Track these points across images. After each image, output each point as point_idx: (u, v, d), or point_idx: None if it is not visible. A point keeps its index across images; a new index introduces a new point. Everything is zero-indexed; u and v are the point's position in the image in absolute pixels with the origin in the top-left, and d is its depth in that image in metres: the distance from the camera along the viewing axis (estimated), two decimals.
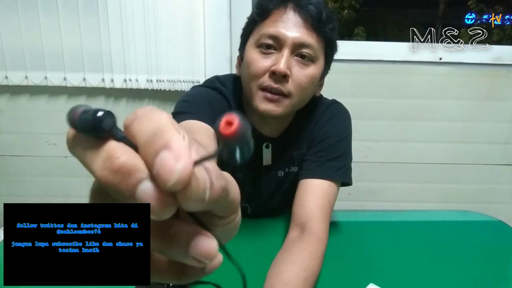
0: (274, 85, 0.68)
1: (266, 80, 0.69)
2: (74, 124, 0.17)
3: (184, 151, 0.16)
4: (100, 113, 0.16)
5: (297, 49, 0.69)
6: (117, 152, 0.17)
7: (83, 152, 0.18)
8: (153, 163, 0.16)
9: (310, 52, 0.69)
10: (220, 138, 0.16)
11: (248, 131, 0.17)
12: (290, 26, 0.68)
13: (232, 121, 0.16)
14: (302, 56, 0.70)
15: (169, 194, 0.16)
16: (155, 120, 0.18)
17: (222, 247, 0.21)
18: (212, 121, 0.68)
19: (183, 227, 0.18)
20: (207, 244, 0.18)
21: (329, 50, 0.75)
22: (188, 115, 0.68)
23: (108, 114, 0.17)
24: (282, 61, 0.67)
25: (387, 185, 1.71)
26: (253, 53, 0.71)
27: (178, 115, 0.70)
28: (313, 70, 0.71)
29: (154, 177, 0.16)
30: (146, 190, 0.16)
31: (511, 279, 0.73)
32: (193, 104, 0.72)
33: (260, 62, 0.69)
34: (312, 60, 0.71)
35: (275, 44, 0.69)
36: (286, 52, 0.68)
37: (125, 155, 0.16)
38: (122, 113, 1.61)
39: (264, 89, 0.69)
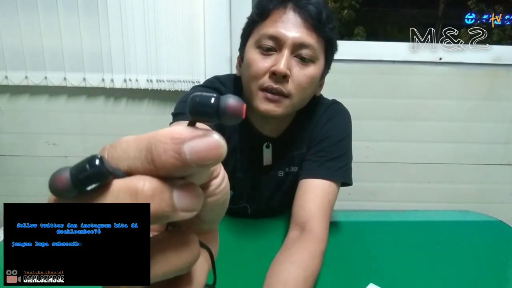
0: (275, 86, 0.68)
1: (266, 81, 0.69)
2: (65, 186, 0.15)
3: (192, 129, 0.16)
4: (97, 160, 0.15)
5: (297, 49, 0.69)
6: (137, 182, 0.16)
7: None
8: (182, 160, 0.15)
9: (310, 52, 0.69)
10: (229, 117, 0.16)
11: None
12: (290, 27, 0.68)
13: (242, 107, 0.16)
14: (302, 56, 0.70)
15: (193, 183, 0.17)
16: (127, 142, 0.17)
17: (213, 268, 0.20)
18: None
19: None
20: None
21: (329, 50, 0.75)
22: (186, 116, 0.68)
23: (102, 157, 0.15)
24: (282, 61, 0.67)
25: (387, 185, 1.72)
26: (253, 54, 0.71)
27: (178, 116, 0.70)
28: (313, 70, 0.71)
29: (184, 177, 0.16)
30: (181, 194, 0.16)
31: (511, 279, 0.73)
32: None
33: (260, 62, 0.69)
34: (312, 60, 0.71)
35: (275, 44, 0.69)
36: (286, 52, 0.68)
37: (144, 180, 0.16)
38: (122, 113, 1.62)
39: (264, 89, 0.69)
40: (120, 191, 0.15)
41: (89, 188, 0.15)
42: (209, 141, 0.16)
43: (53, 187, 0.15)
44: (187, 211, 0.16)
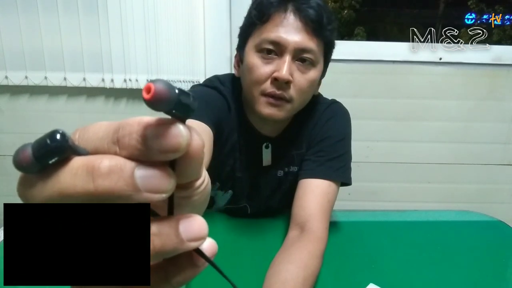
0: (277, 92, 0.68)
1: (268, 87, 0.69)
2: (28, 161, 0.15)
3: (161, 118, 0.16)
4: (58, 135, 0.15)
5: (298, 54, 0.69)
6: (96, 159, 0.16)
7: (51, 183, 0.16)
8: (144, 143, 0.16)
9: (311, 56, 0.69)
10: (147, 104, 0.16)
11: (172, 91, 0.16)
12: (290, 31, 0.68)
13: (150, 86, 0.15)
14: (303, 60, 0.70)
15: (165, 164, 0.16)
16: (99, 125, 0.17)
17: (211, 262, 0.20)
18: (209, 121, 0.68)
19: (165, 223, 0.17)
20: (196, 222, 0.18)
21: (329, 52, 0.75)
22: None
23: (64, 132, 0.15)
24: (285, 67, 0.67)
25: (387, 185, 1.72)
26: (254, 58, 0.71)
27: None
28: (313, 73, 0.71)
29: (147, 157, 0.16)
30: (145, 173, 0.16)
31: (511, 279, 0.73)
32: None
33: (262, 68, 0.69)
34: (312, 64, 0.71)
35: (276, 49, 0.69)
36: (287, 58, 0.68)
37: (102, 157, 0.16)
38: (122, 113, 1.62)
39: (266, 95, 0.70)
40: (78, 168, 0.16)
41: (50, 162, 0.16)
42: (171, 129, 0.16)
43: (17, 162, 0.16)
44: (154, 192, 0.16)
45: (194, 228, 0.17)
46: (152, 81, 0.15)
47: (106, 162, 0.15)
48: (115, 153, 0.16)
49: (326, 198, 0.74)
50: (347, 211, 0.96)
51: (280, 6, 0.69)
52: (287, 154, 0.83)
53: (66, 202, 0.16)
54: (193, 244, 0.17)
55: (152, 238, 0.17)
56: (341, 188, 0.80)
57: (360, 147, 1.65)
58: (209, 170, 0.75)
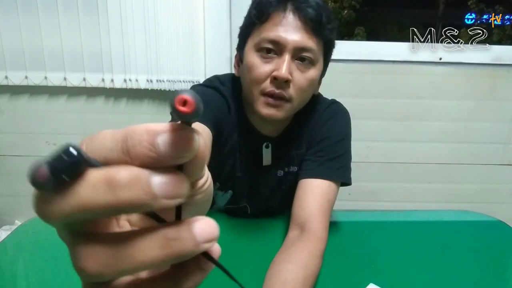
0: (276, 91, 0.68)
1: (268, 86, 0.69)
2: (45, 178, 0.15)
3: (167, 123, 0.16)
4: (73, 149, 0.15)
5: (298, 53, 0.69)
6: (113, 171, 0.16)
7: (71, 198, 0.16)
8: (157, 151, 0.16)
9: (310, 55, 0.69)
10: (180, 116, 0.16)
11: (201, 104, 0.16)
12: (290, 30, 0.68)
13: (187, 99, 0.16)
14: (302, 59, 0.70)
15: (175, 168, 0.17)
16: (104, 134, 0.17)
17: (218, 264, 0.20)
18: (208, 121, 0.68)
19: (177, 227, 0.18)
20: (208, 223, 0.18)
21: (328, 51, 0.75)
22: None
23: (78, 147, 0.16)
24: (284, 66, 0.67)
25: (387, 185, 1.72)
26: (253, 58, 0.71)
27: None
28: (313, 73, 0.71)
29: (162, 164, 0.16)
30: (161, 179, 0.16)
31: (511, 279, 0.73)
32: None
33: (261, 67, 0.69)
34: (312, 63, 0.71)
35: (276, 48, 0.69)
36: (287, 57, 0.68)
37: (119, 168, 0.16)
38: (122, 113, 1.62)
39: (266, 94, 0.70)
40: (97, 181, 0.16)
41: (66, 177, 0.16)
42: (182, 134, 0.16)
43: (34, 180, 0.15)
44: (170, 198, 0.16)
45: (207, 230, 0.17)
46: (181, 92, 0.16)
47: (123, 173, 0.15)
48: (127, 163, 0.16)
49: (326, 198, 0.74)
50: (347, 211, 0.96)
51: (280, 5, 0.69)
52: (287, 154, 0.83)
53: (87, 217, 0.16)
54: (206, 246, 0.17)
55: (170, 243, 0.17)
56: (341, 188, 0.80)
57: (360, 147, 1.65)
58: (209, 170, 0.75)
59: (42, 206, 0.16)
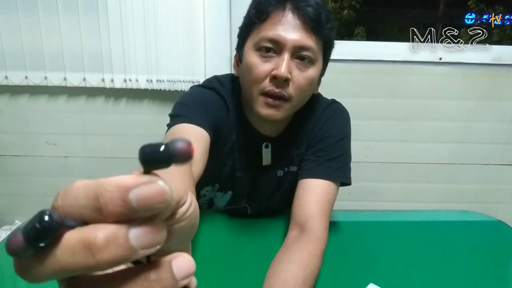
0: (276, 90, 0.68)
1: (267, 85, 0.69)
2: (20, 246, 0.15)
3: (137, 176, 0.16)
4: (46, 216, 0.15)
5: (297, 52, 0.69)
6: (89, 233, 0.16)
7: (50, 263, 0.16)
8: (129, 207, 0.16)
9: (309, 54, 0.69)
10: (183, 160, 0.17)
11: None
12: (289, 29, 0.68)
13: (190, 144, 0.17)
14: (302, 58, 0.70)
15: (153, 218, 0.17)
16: (77, 189, 0.17)
17: None
18: (206, 124, 0.69)
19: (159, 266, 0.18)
20: (185, 260, 0.18)
21: (328, 50, 0.75)
22: (182, 118, 0.69)
23: (51, 213, 0.16)
24: (283, 65, 0.67)
25: (387, 185, 1.72)
26: (252, 57, 0.71)
27: (175, 117, 0.70)
28: (312, 72, 0.71)
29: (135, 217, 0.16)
30: (137, 232, 0.16)
31: (511, 279, 0.73)
32: (188, 107, 0.73)
33: (261, 66, 0.69)
34: (311, 62, 0.71)
35: (275, 47, 0.69)
36: (286, 55, 0.68)
37: (96, 230, 0.16)
38: (122, 113, 1.62)
39: (265, 94, 0.70)
40: (75, 246, 0.16)
41: (42, 244, 0.16)
42: (154, 187, 0.16)
43: (10, 249, 0.16)
44: (149, 248, 0.16)
45: (184, 267, 0.18)
46: (181, 141, 0.17)
47: (100, 234, 0.16)
48: (101, 220, 0.16)
49: (326, 198, 0.74)
50: (347, 211, 0.96)
51: (279, 4, 0.69)
52: (287, 154, 0.83)
53: (67, 276, 0.16)
54: (185, 282, 0.18)
55: (152, 284, 0.17)
56: (341, 188, 0.80)
57: (360, 147, 1.65)
58: (208, 171, 0.75)
59: (22, 271, 0.16)
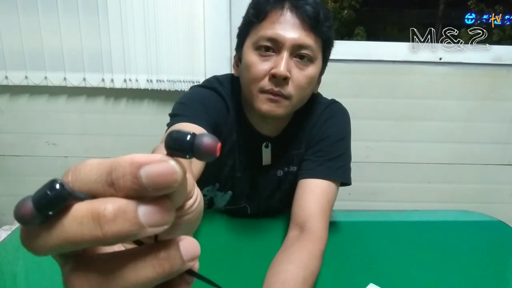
0: (275, 89, 0.68)
1: (266, 84, 0.69)
2: (30, 214, 0.15)
3: (150, 154, 0.16)
4: (57, 185, 0.15)
5: (296, 50, 0.69)
6: (99, 205, 0.16)
7: (57, 233, 0.16)
8: (140, 184, 0.16)
9: (308, 52, 0.69)
10: (203, 154, 0.17)
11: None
12: (288, 28, 0.68)
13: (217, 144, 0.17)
14: (301, 57, 0.70)
15: (164, 198, 0.17)
16: (90, 165, 0.17)
17: (200, 277, 0.21)
18: (206, 124, 0.69)
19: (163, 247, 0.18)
20: (192, 243, 0.18)
21: (327, 49, 0.75)
22: (181, 118, 0.69)
23: (62, 182, 0.16)
24: (282, 64, 0.67)
25: (387, 185, 1.72)
26: (252, 56, 0.71)
27: (175, 117, 0.70)
28: (312, 70, 0.71)
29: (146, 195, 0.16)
30: (147, 210, 0.16)
31: (511, 279, 0.73)
32: (188, 106, 0.73)
33: (260, 65, 0.69)
34: (311, 60, 0.71)
35: (274, 46, 0.69)
36: (285, 54, 0.68)
37: (106, 202, 0.16)
38: (122, 113, 1.62)
39: (264, 92, 0.70)
40: (83, 216, 0.16)
41: (52, 212, 0.16)
42: (164, 165, 0.16)
43: (19, 216, 0.16)
44: (156, 226, 0.16)
45: (191, 248, 0.18)
46: (210, 137, 0.17)
47: (110, 207, 0.16)
48: (112, 195, 0.16)
49: (326, 198, 0.74)
50: (347, 211, 0.96)
51: (277, 3, 0.69)
52: (287, 153, 0.83)
53: (74, 249, 0.16)
54: (191, 263, 0.18)
55: (161, 262, 0.17)
56: (341, 188, 0.80)
57: (360, 147, 1.65)
58: (208, 171, 0.75)
59: (28, 240, 0.16)
